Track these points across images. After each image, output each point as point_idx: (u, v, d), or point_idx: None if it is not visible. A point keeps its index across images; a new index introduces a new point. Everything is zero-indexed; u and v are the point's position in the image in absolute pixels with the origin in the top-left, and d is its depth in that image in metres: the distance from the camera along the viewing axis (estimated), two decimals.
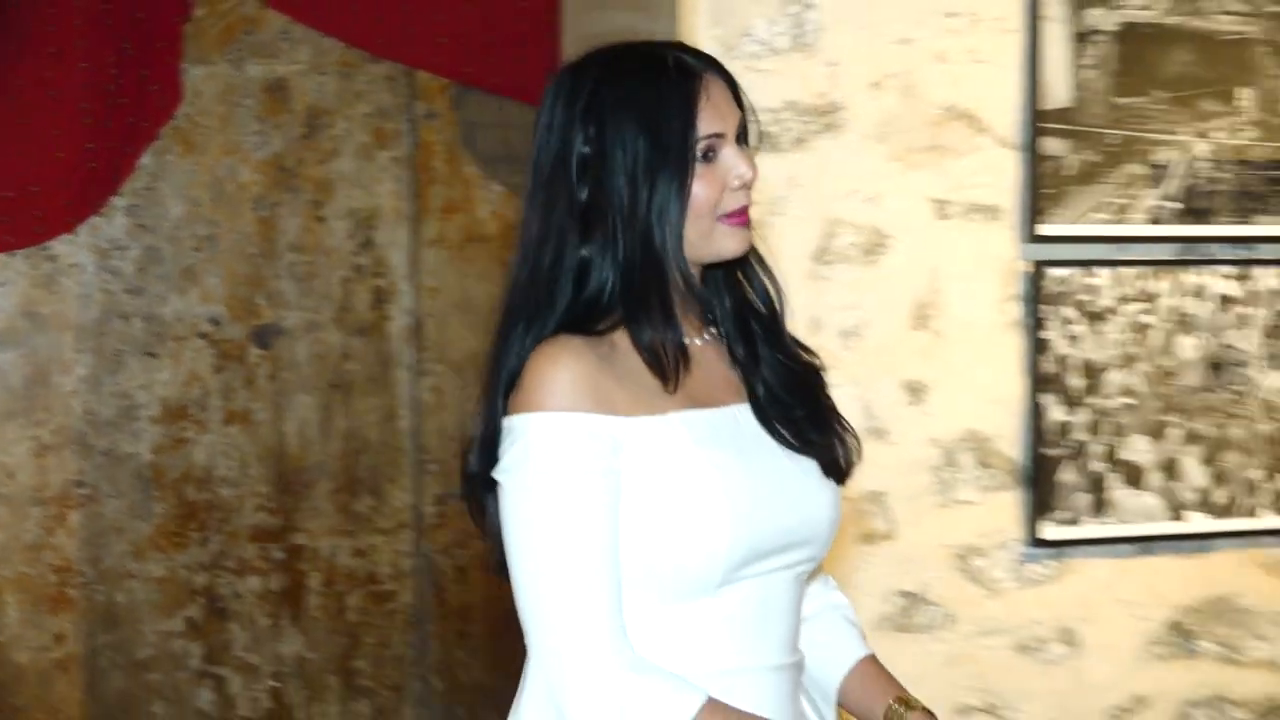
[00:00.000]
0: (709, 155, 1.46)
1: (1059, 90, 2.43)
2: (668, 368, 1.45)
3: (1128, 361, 2.48)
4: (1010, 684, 2.49)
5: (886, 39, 2.32)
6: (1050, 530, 2.44)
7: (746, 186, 1.50)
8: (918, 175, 2.36)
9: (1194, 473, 2.54)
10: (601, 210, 1.47)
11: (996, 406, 2.45)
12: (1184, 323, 2.53)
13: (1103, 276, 2.46)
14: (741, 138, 1.50)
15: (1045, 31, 2.41)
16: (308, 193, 3.41)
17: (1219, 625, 2.59)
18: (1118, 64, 2.46)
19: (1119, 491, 2.49)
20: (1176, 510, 2.52)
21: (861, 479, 1.70)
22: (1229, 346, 2.56)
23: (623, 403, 1.42)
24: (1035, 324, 2.42)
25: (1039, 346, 2.42)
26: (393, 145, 3.44)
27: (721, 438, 1.50)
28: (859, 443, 1.54)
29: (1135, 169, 2.47)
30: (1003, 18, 2.39)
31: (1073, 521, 2.47)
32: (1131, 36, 2.45)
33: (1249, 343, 2.56)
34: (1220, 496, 2.53)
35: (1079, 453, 2.47)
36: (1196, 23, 2.50)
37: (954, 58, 2.39)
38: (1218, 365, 2.55)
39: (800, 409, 1.54)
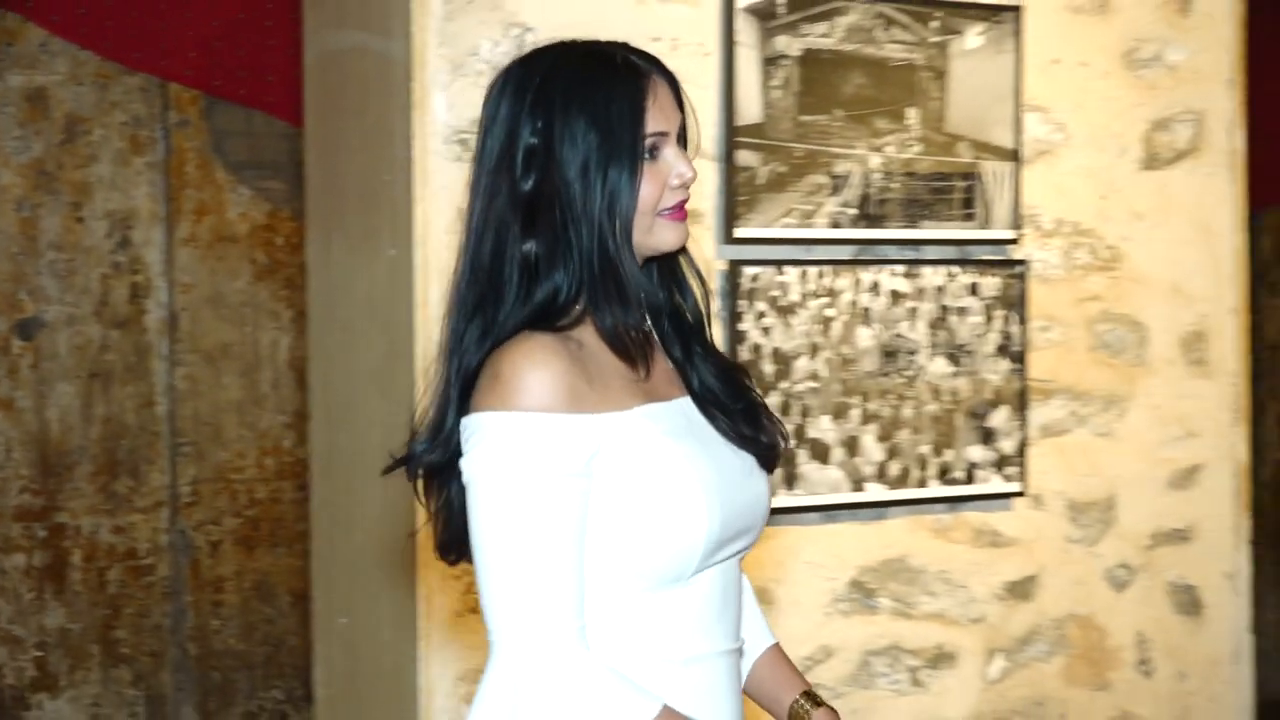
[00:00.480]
0: (653, 153, 1.46)
1: (751, 108, 2.58)
2: (635, 353, 1.46)
3: (814, 350, 2.65)
4: None
5: None
6: None
7: (686, 185, 1.50)
8: None
9: (872, 448, 2.71)
10: (548, 202, 1.47)
11: None
12: (862, 315, 2.70)
13: (791, 274, 2.62)
14: (681, 139, 1.51)
15: (739, 55, 2.56)
16: (67, 195, 3.66)
17: (894, 583, 2.77)
18: (801, 86, 2.62)
19: (807, 466, 2.65)
20: (857, 482, 2.70)
21: None
22: (900, 336, 2.74)
23: (593, 401, 1.41)
24: (733, 317, 2.57)
25: (736, 337, 2.57)
26: (147, 151, 3.74)
27: (681, 429, 1.51)
28: (786, 437, 1.57)
29: (818, 179, 2.64)
30: (701, 42, 2.54)
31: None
32: (813, 61, 2.62)
33: (917, 333, 2.75)
34: (894, 469, 2.72)
35: None
36: (870, 50, 2.68)
37: None
38: (891, 353, 2.73)
39: (734, 403, 1.55)
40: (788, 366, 2.63)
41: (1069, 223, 2.95)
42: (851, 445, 2.71)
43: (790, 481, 2.63)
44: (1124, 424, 2.99)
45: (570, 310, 1.46)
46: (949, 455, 2.78)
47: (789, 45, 2.61)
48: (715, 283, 2.57)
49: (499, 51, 2.38)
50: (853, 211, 2.70)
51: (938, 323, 2.79)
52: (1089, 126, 2.95)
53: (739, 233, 2.57)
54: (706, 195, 2.57)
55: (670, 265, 1.52)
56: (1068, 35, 2.91)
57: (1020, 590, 2.89)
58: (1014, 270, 2.85)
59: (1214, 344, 3.08)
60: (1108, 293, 2.99)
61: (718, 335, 2.49)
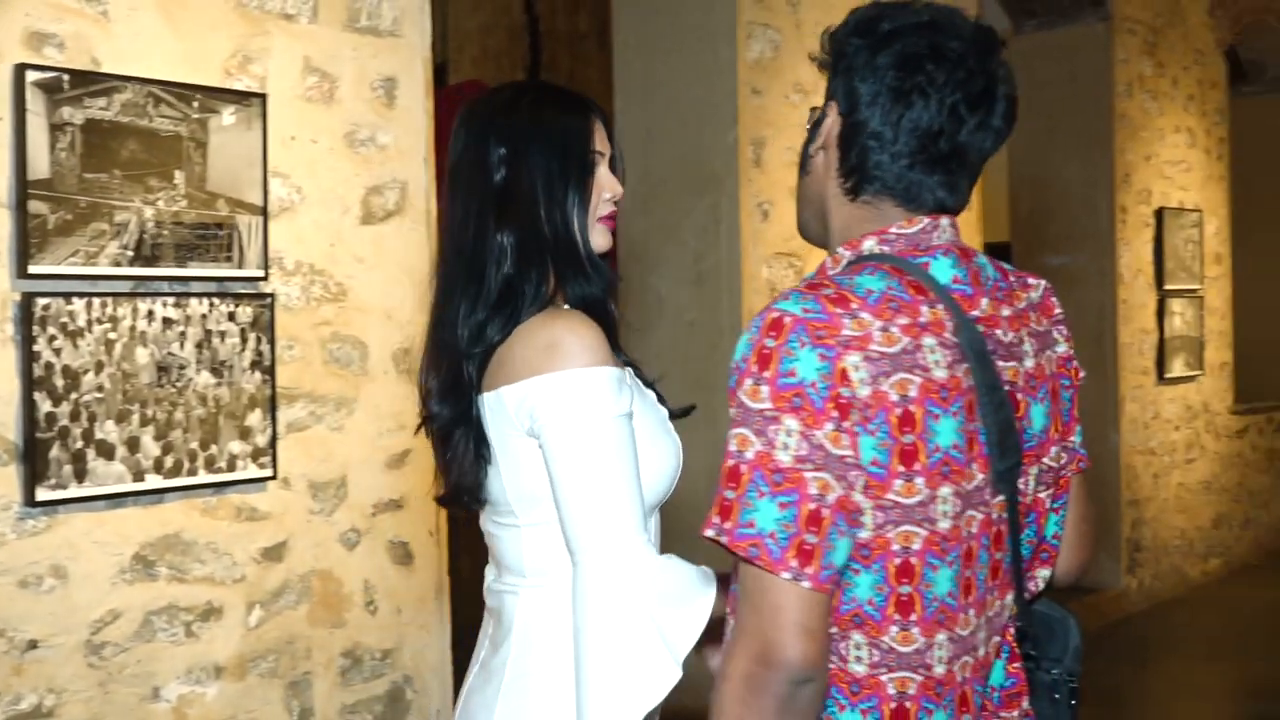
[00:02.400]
0: (594, 168, 1.77)
1: (41, 165, 2.77)
2: (613, 316, 1.73)
3: (99, 367, 2.85)
4: (15, 610, 2.74)
5: None
6: (43, 494, 2.76)
7: (616, 200, 1.79)
8: None
9: (150, 446, 2.94)
10: (516, 201, 1.72)
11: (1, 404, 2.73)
12: (140, 338, 2.92)
13: (78, 304, 2.82)
14: (613, 166, 1.80)
15: (30, 121, 2.74)
16: None
17: (171, 555, 2.98)
18: (84, 149, 2.82)
19: (95, 462, 2.85)
20: (139, 474, 2.91)
21: None
22: (172, 354, 2.97)
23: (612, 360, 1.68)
24: (27, 340, 2.73)
25: (32, 356, 2.74)
26: None
27: (639, 385, 1.77)
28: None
29: (101, 225, 2.84)
30: None
31: (62, 486, 2.79)
32: (94, 129, 2.84)
33: (186, 352, 3.00)
34: (170, 462, 2.96)
35: (64, 435, 2.81)
36: (142, 122, 2.92)
37: None
38: (165, 368, 2.96)
39: (649, 378, 1.85)
40: (76, 381, 2.82)
41: (306, 264, 3.24)
42: (133, 444, 2.91)
43: (80, 476, 2.82)
44: (352, 420, 3.32)
45: (539, 299, 1.73)
46: (214, 449, 3.04)
47: (73, 115, 2.81)
48: (10, 312, 2.74)
49: None
50: (131, 253, 2.90)
51: (203, 343, 3.02)
52: (320, 190, 3.26)
53: (32, 269, 2.75)
54: (1, 238, 2.71)
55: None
56: (302, 118, 3.22)
57: (273, 554, 3.16)
58: (264, 301, 3.12)
59: (416, 358, 3.40)
60: (337, 319, 3.30)
61: (11, 358, 2.70)
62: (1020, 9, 7.21)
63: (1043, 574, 1.71)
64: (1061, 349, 1.69)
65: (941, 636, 1.52)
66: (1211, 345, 8.06)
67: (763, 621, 1.41)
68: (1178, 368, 7.65)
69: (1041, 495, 1.66)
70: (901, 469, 1.46)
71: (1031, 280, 1.72)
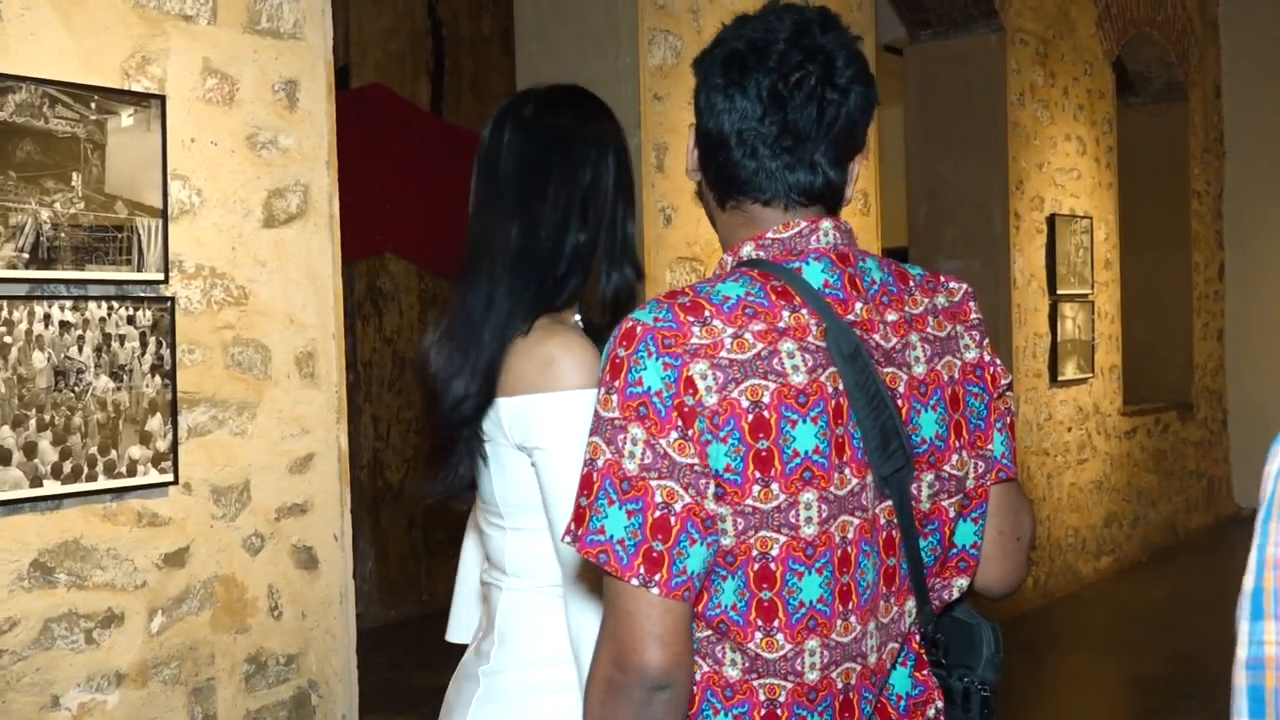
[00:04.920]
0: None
1: None
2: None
3: None
4: None
5: None
6: None
7: None
8: None
9: (48, 451, 2.90)
10: (596, 203, 1.82)
11: None
12: (37, 342, 2.88)
13: None
14: None
15: None
16: None
17: (70, 561, 2.94)
18: None
19: None
20: (37, 479, 2.88)
21: None
22: (70, 359, 2.94)
23: None
24: None
25: None
26: None
27: None
28: None
29: None
30: None
31: None
32: None
33: (85, 356, 2.96)
34: (68, 467, 2.92)
35: None
36: (38, 124, 2.87)
37: None
38: (62, 372, 2.92)
39: None
40: None
41: (207, 267, 3.21)
42: (30, 449, 2.87)
43: None
44: (254, 424, 3.30)
45: (575, 295, 1.84)
46: (114, 454, 3.01)
47: None
48: None
49: None
50: (26, 256, 2.87)
51: (102, 347, 3.00)
52: (221, 193, 3.23)
53: None
54: None
55: None
56: (202, 120, 3.19)
57: (175, 559, 3.13)
58: (164, 305, 3.10)
59: (320, 361, 3.43)
60: (239, 322, 3.26)
61: None
62: (915, 19, 7.35)
63: (959, 583, 1.69)
64: (971, 355, 1.67)
65: (813, 643, 1.53)
66: (1102, 348, 8.28)
67: (619, 627, 1.44)
68: (1070, 370, 7.85)
69: (944, 503, 1.63)
70: (758, 475, 1.47)
71: (953, 284, 1.73)
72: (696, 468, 1.44)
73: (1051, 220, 7.71)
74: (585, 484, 1.46)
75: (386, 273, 7.75)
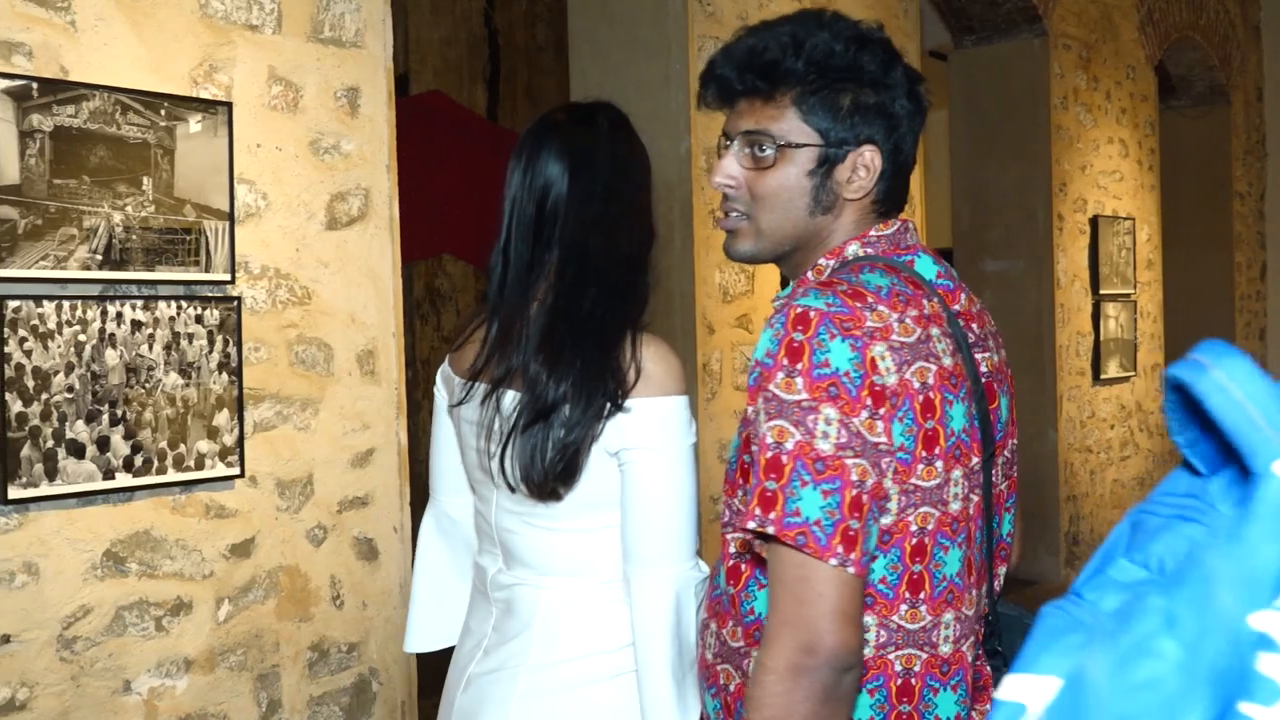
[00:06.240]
0: None
1: (11, 171, 2.80)
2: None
3: (69, 368, 2.87)
4: None
5: None
6: (15, 492, 2.79)
7: None
8: None
9: (120, 445, 2.96)
10: (644, 212, 1.89)
11: None
12: (109, 340, 2.93)
13: (49, 307, 2.84)
14: None
15: (0, 128, 2.74)
16: None
17: (141, 551, 3.00)
18: (53, 155, 2.84)
19: (66, 461, 2.87)
20: (109, 472, 2.93)
21: None
22: (141, 356, 2.99)
23: None
24: None
25: (3, 358, 2.75)
26: None
27: None
28: None
29: (70, 230, 2.86)
30: None
31: (33, 485, 2.82)
32: (63, 136, 2.86)
33: (155, 353, 3.01)
34: (139, 461, 2.98)
35: (35, 434, 2.83)
36: (110, 130, 2.94)
37: None
38: (134, 369, 2.97)
39: None
40: (47, 382, 2.85)
41: (272, 269, 3.26)
42: (103, 443, 2.93)
43: (52, 475, 2.84)
44: (317, 420, 3.34)
45: None
46: (182, 448, 3.06)
47: (42, 122, 2.84)
48: None
49: None
50: (100, 257, 2.92)
51: (171, 345, 3.05)
52: (285, 196, 3.29)
53: (2, 273, 2.76)
54: None
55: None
56: (267, 127, 3.25)
57: (241, 550, 3.19)
58: (231, 305, 3.14)
59: (381, 359, 3.46)
60: (303, 321, 3.31)
61: None
62: (959, 25, 7.38)
63: (1002, 571, 1.74)
64: (1003, 352, 1.76)
65: (949, 616, 1.57)
66: (1144, 347, 8.26)
67: (805, 610, 1.41)
68: (1112, 369, 7.85)
69: (1002, 488, 1.69)
70: (924, 454, 1.51)
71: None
72: (882, 446, 1.46)
73: (1094, 221, 7.71)
74: (773, 467, 1.43)
75: (444, 273, 7.84)
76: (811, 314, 1.47)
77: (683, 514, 1.76)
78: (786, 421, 1.43)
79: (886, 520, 1.50)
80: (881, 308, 1.51)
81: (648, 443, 1.74)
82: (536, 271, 1.85)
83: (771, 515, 1.42)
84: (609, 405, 1.75)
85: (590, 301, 1.80)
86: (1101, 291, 7.74)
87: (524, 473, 1.80)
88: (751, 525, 1.44)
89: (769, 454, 1.44)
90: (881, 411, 1.45)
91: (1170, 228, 8.87)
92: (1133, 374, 8.11)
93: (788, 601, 1.42)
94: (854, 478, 1.42)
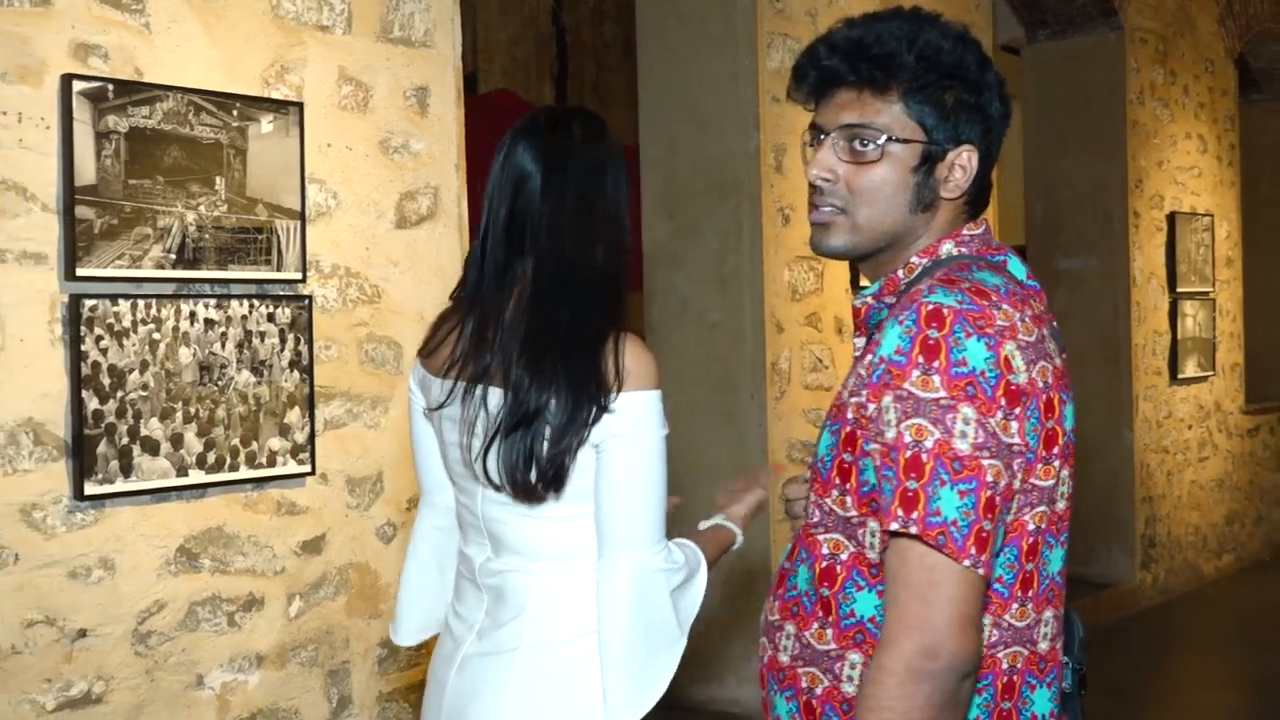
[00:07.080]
0: None
1: (87, 171, 2.85)
2: None
3: (144, 366, 2.93)
4: (65, 600, 2.82)
5: None
6: (91, 488, 2.84)
7: None
8: None
9: (193, 442, 3.02)
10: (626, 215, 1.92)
11: (47, 400, 2.81)
12: (183, 338, 3.00)
13: (124, 306, 2.90)
14: None
15: (77, 130, 2.82)
16: None
17: (214, 547, 3.07)
18: (128, 155, 2.90)
19: (141, 458, 2.93)
20: (183, 469, 3.00)
21: None
22: (214, 354, 3.05)
23: None
24: (75, 340, 2.80)
25: (80, 356, 2.81)
26: None
27: None
28: None
29: (145, 230, 2.92)
30: (43, 117, 2.80)
31: (109, 481, 2.87)
32: (137, 137, 2.92)
33: (227, 352, 3.08)
34: (212, 458, 3.04)
35: (110, 432, 2.89)
36: (184, 130, 3.00)
37: (6, 144, 2.76)
38: (207, 367, 3.04)
39: None
40: (122, 379, 2.90)
41: (343, 267, 3.31)
42: (177, 440, 2.99)
43: (127, 471, 2.90)
44: (387, 418, 3.39)
45: None
46: (254, 446, 3.13)
47: (117, 123, 2.90)
48: (59, 313, 2.80)
49: None
50: (174, 256, 2.99)
51: (244, 343, 3.11)
52: (355, 195, 3.34)
53: (80, 272, 2.83)
54: (50, 241, 2.81)
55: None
56: (338, 127, 3.30)
57: (312, 547, 3.25)
58: (302, 303, 3.20)
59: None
60: (373, 320, 3.37)
61: (60, 358, 2.77)
62: (1033, 20, 7.29)
63: None
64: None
65: (1049, 613, 1.57)
66: (1223, 346, 8.12)
67: (931, 614, 1.40)
68: (1190, 368, 7.72)
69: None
70: (1044, 453, 1.50)
71: None
72: (1015, 447, 1.45)
73: (1171, 218, 7.58)
74: (913, 466, 1.41)
75: None
76: (945, 311, 1.45)
77: (650, 501, 1.82)
78: (924, 419, 1.42)
79: (1007, 519, 1.49)
80: (1006, 306, 1.49)
81: (624, 433, 1.79)
82: (511, 275, 1.88)
83: (914, 515, 1.41)
84: (594, 409, 1.80)
85: (569, 314, 1.83)
86: (1179, 289, 7.61)
87: (509, 476, 1.85)
88: (894, 526, 1.43)
89: (908, 453, 1.42)
90: (1016, 411, 1.44)
91: (1251, 225, 8.70)
92: (1211, 373, 7.97)
93: (912, 603, 1.41)
94: (989, 479, 1.41)
